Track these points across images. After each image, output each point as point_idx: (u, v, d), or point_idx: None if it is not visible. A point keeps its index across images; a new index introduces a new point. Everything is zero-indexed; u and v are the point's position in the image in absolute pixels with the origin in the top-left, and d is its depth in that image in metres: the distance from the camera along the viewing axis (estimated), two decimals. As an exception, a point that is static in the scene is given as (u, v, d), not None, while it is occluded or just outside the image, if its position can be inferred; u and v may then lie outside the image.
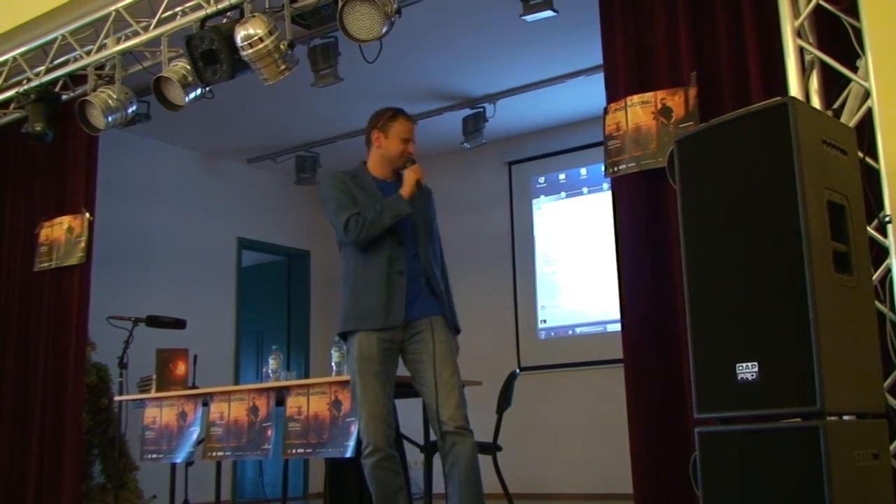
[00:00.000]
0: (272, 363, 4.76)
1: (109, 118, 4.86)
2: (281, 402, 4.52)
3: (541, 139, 7.45)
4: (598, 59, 3.93)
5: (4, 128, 5.77)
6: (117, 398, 5.38)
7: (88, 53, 5.01)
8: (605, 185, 6.46)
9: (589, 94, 6.00)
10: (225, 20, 4.36)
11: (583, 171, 7.24)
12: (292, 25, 4.25)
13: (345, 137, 7.10)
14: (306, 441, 4.31)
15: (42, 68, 5.26)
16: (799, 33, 3.19)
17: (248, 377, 7.86)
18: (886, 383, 2.78)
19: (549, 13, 4.67)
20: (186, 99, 4.63)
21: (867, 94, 3.03)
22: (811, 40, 3.20)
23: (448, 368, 3.42)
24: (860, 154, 2.78)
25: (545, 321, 7.30)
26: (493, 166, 7.69)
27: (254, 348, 8.39)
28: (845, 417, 2.37)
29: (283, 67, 4.22)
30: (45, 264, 5.48)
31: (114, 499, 5.47)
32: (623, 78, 3.74)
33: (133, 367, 5.14)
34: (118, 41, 4.89)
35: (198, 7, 4.48)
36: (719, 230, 2.50)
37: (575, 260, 7.20)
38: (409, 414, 4.41)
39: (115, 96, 4.84)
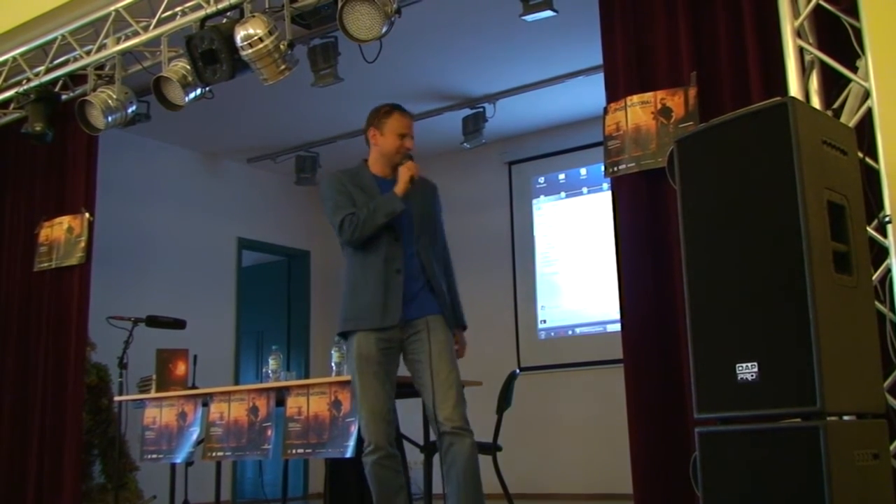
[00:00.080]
0: (272, 363, 4.76)
1: (109, 118, 4.85)
2: (281, 403, 4.52)
3: (541, 139, 7.45)
4: (598, 59, 3.93)
5: (4, 128, 5.77)
6: (117, 398, 5.38)
7: (88, 53, 5.01)
8: (605, 185, 6.46)
9: (589, 94, 6.01)
10: (225, 20, 4.36)
11: (583, 171, 7.24)
12: (292, 25, 4.25)
13: (345, 137, 7.10)
14: (306, 441, 4.30)
15: (42, 68, 5.26)
16: (799, 33, 3.19)
17: (248, 377, 7.86)
18: (886, 383, 2.78)
19: (549, 13, 4.67)
20: (186, 99, 4.62)
21: (867, 94, 3.03)
22: (811, 40, 3.20)
23: (445, 368, 3.41)
24: (860, 154, 2.78)
25: (545, 321, 7.30)
26: (493, 166, 7.69)
27: (254, 348, 8.39)
28: (845, 417, 2.37)
29: (283, 67, 4.22)
30: (45, 264, 5.48)
31: (114, 499, 5.47)
32: (623, 78, 3.74)
33: (133, 367, 5.14)
34: (118, 41, 4.88)
35: (198, 7, 4.48)
36: (719, 230, 2.50)
37: (575, 260, 7.19)
38: (409, 414, 4.41)
39: (115, 96, 4.83)
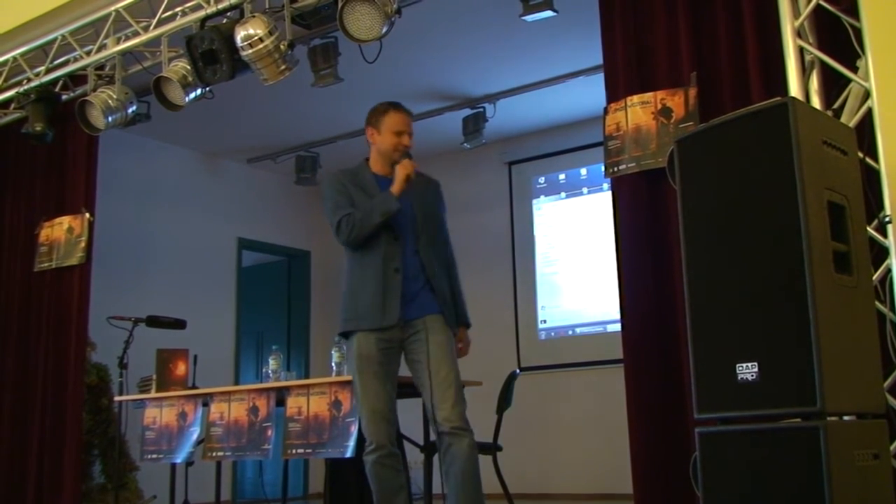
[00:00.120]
0: (272, 363, 4.76)
1: (109, 118, 4.86)
2: (281, 403, 4.52)
3: (541, 139, 7.45)
4: (598, 59, 3.93)
5: (4, 128, 5.77)
6: (117, 398, 5.38)
7: (88, 53, 5.01)
8: (605, 186, 6.46)
9: (589, 94, 6.01)
10: (225, 20, 4.36)
11: (583, 171, 7.24)
12: (292, 25, 4.25)
13: (345, 137, 7.10)
14: (306, 441, 4.31)
15: (42, 68, 5.26)
16: (799, 33, 3.19)
17: (248, 377, 7.86)
18: (886, 383, 2.78)
19: (549, 13, 4.67)
20: (186, 99, 4.63)
21: (867, 94, 3.03)
22: (811, 40, 3.20)
23: (444, 368, 3.40)
24: (860, 154, 2.78)
25: (545, 321, 7.30)
26: (493, 166, 7.69)
27: (254, 348, 8.39)
28: (845, 417, 2.37)
29: (283, 67, 4.22)
30: (45, 264, 5.48)
31: (114, 499, 5.47)
32: (623, 78, 3.74)
33: (133, 368, 5.14)
34: (118, 41, 4.89)
35: (198, 7, 4.48)
36: (719, 230, 2.50)
37: (575, 260, 7.19)
38: (409, 414, 4.41)
39: (115, 96, 4.84)
